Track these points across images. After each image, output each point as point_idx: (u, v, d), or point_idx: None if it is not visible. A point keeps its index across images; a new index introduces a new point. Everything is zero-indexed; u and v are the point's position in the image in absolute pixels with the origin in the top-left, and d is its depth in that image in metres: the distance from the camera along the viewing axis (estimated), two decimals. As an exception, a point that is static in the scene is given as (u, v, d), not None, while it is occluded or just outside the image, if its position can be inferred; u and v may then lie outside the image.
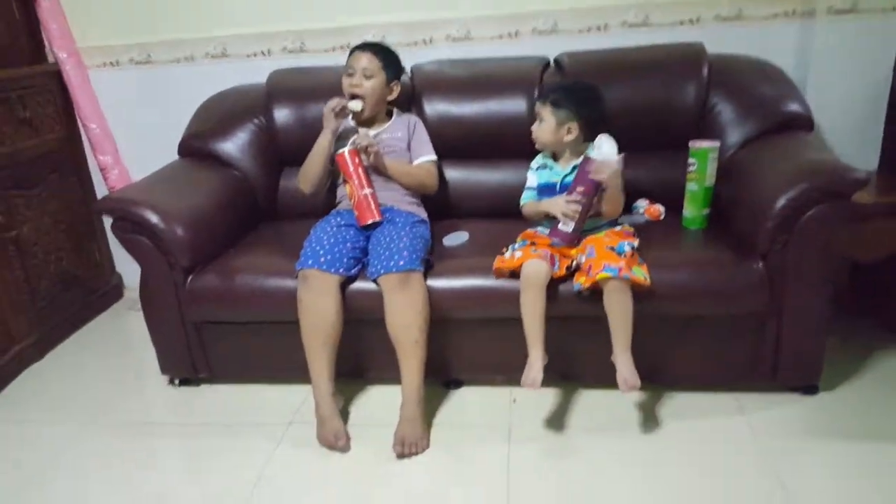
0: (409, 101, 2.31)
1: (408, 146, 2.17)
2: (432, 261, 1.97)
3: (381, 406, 1.98)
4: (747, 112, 2.13)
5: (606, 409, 1.92)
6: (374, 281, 1.89)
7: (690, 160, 1.99)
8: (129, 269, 2.93)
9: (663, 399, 1.94)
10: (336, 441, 1.83)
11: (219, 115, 2.42)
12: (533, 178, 2.02)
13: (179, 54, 2.61)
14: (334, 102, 2.03)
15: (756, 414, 1.85)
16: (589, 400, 1.97)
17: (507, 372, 1.96)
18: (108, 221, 2.82)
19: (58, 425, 2.07)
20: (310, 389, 1.92)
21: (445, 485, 1.70)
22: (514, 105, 2.24)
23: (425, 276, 1.90)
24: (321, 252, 1.89)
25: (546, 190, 1.97)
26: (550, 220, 1.91)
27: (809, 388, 1.92)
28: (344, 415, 1.95)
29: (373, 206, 1.98)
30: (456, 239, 2.09)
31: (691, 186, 2.01)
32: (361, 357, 2.04)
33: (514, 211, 2.09)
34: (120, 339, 2.63)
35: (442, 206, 2.28)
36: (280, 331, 2.00)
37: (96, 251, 2.84)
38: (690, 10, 2.36)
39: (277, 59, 2.56)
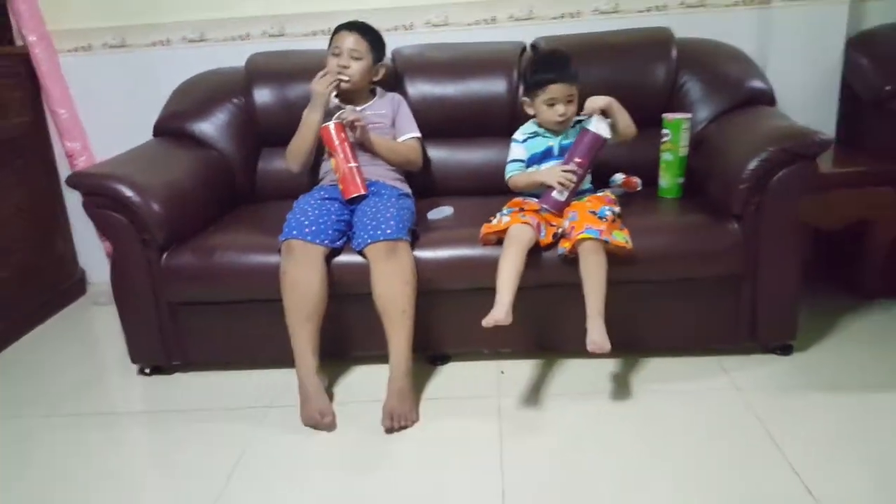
0: (392, 83, 2.34)
1: (392, 123, 2.19)
2: (418, 232, 1.98)
3: (366, 385, 1.96)
4: (714, 89, 2.24)
5: (594, 377, 1.94)
6: (360, 252, 1.88)
7: (664, 131, 2.07)
8: (93, 263, 2.88)
9: (648, 365, 1.98)
10: (322, 418, 1.78)
11: (197, 95, 2.40)
12: (520, 150, 2.05)
13: (156, 38, 2.60)
14: (327, 79, 2.03)
15: (738, 373, 1.91)
16: (574, 368, 1.99)
17: (494, 344, 1.99)
18: (73, 212, 2.79)
19: (22, 418, 1.96)
20: (291, 373, 1.87)
21: (437, 458, 1.66)
22: (494, 86, 2.31)
23: (412, 246, 1.91)
24: (306, 223, 1.88)
25: (539, 158, 2.01)
26: (542, 188, 1.94)
27: (785, 349, 1.99)
28: (328, 395, 1.88)
29: (358, 179, 1.99)
30: (440, 213, 2.11)
31: (666, 156, 2.08)
32: (345, 335, 2.02)
33: (495, 187, 2.13)
34: (85, 334, 2.56)
35: (426, 184, 2.31)
36: (259, 311, 1.98)
37: (60, 244, 2.76)
38: (658, -3, 2.48)
39: (257, 44, 2.56)
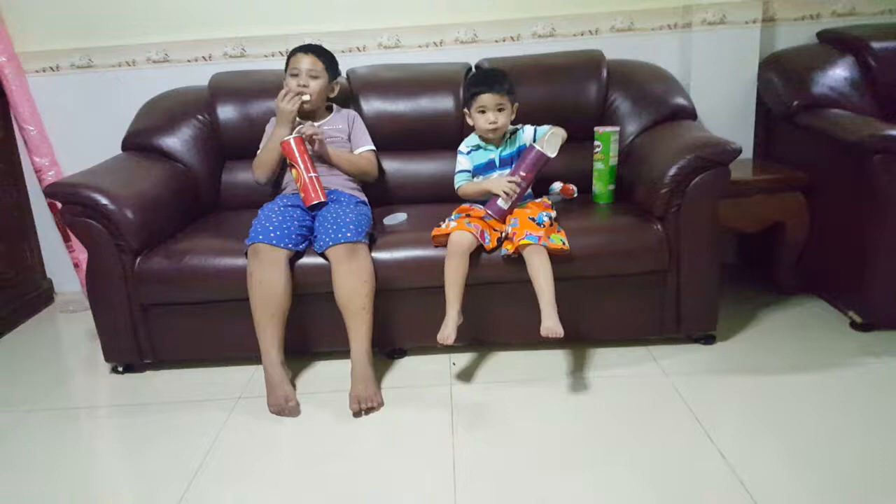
0: (347, 101, 2.51)
1: (348, 137, 2.36)
2: (376, 236, 2.15)
3: (327, 377, 2.12)
4: (641, 106, 2.47)
5: (536, 366, 2.13)
6: (322, 254, 2.04)
7: (596, 143, 2.29)
8: (60, 273, 2.97)
9: (585, 354, 2.18)
10: (286, 403, 1.93)
11: (163, 112, 2.54)
12: (466, 161, 2.24)
13: (121, 59, 2.73)
14: (290, 99, 2.18)
15: (666, 360, 2.12)
16: (519, 359, 2.18)
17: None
18: (41, 224, 2.88)
19: (1, 413, 2.07)
20: (258, 369, 2.03)
21: (395, 440, 1.80)
22: (442, 103, 2.50)
23: (370, 248, 2.08)
24: (271, 228, 2.03)
25: (483, 169, 2.21)
26: (488, 197, 2.13)
27: (708, 339, 2.21)
28: (292, 385, 2.03)
29: (318, 187, 2.14)
30: (395, 219, 2.29)
31: (598, 165, 2.30)
32: (307, 333, 2.16)
33: (445, 195, 2.32)
34: (56, 338, 2.65)
35: (381, 192, 2.48)
36: (227, 311, 2.12)
37: (28, 255, 2.85)
38: (590, 22, 2.72)
39: (218, 64, 2.72)
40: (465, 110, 2.23)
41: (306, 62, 2.25)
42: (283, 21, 2.69)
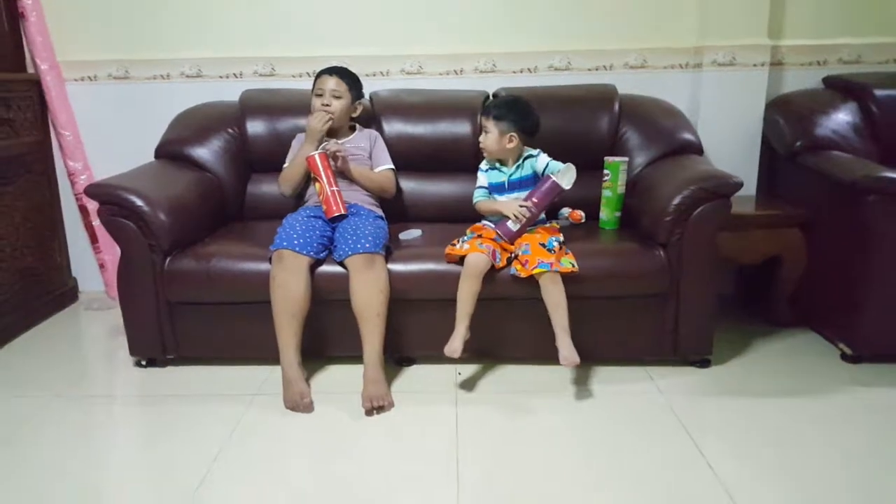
0: (370, 122, 2.65)
1: (369, 156, 2.49)
2: (392, 248, 2.27)
3: (341, 379, 2.23)
4: (650, 139, 2.59)
5: (538, 379, 2.23)
6: (341, 263, 2.16)
7: (605, 171, 2.41)
8: (85, 273, 3.09)
9: (586, 371, 2.27)
10: (301, 399, 2.04)
11: (195, 123, 2.68)
12: (483, 178, 2.36)
13: (157, 72, 2.88)
14: (321, 116, 2.32)
15: (663, 380, 2.22)
16: (522, 372, 2.28)
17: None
18: (69, 225, 3.01)
19: (28, 398, 2.17)
20: (277, 369, 2.13)
21: (402, 440, 1.90)
22: (460, 128, 2.63)
23: (386, 260, 2.19)
24: (294, 236, 2.15)
25: (495, 188, 2.33)
26: (500, 216, 2.24)
27: (704, 362, 2.31)
28: (307, 384, 2.14)
29: (339, 201, 2.26)
30: (410, 234, 2.40)
31: (606, 193, 2.42)
32: (323, 336, 2.27)
33: (459, 215, 2.45)
34: (79, 334, 2.76)
35: (398, 210, 2.61)
36: (248, 312, 2.23)
37: (57, 253, 2.98)
38: (605, 58, 2.86)
39: (249, 82, 2.87)
40: None
41: (331, 83, 2.39)
42: (312, 44, 2.85)
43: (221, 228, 2.52)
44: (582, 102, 2.67)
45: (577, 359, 2.03)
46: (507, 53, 2.86)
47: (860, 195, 2.15)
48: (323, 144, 2.33)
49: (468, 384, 2.22)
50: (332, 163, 2.30)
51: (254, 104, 2.70)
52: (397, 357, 2.34)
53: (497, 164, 2.33)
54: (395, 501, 1.65)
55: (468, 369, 2.30)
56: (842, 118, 2.62)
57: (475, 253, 2.13)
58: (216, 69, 2.88)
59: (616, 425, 1.97)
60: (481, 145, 2.30)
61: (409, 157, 2.63)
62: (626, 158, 2.44)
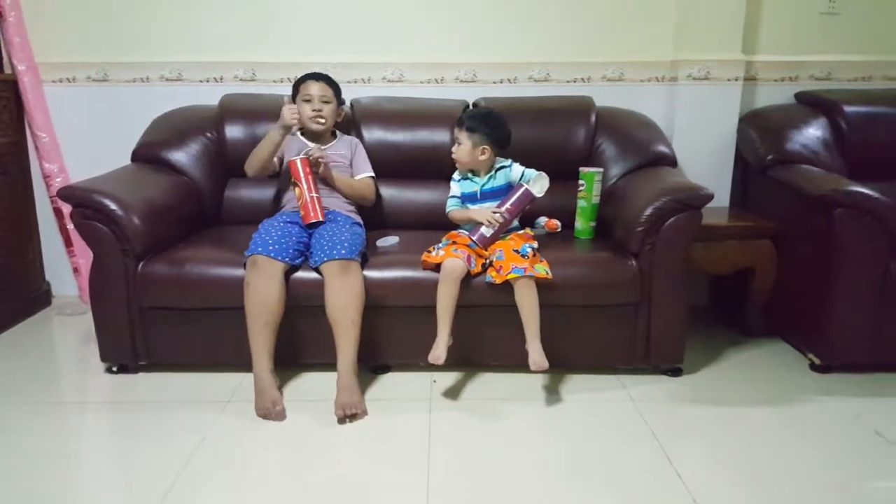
0: (350, 128, 2.66)
1: (349, 163, 2.50)
2: (368, 256, 2.28)
3: (315, 387, 2.22)
4: (625, 151, 2.63)
5: (512, 387, 2.24)
6: (317, 269, 2.16)
7: (580, 182, 2.44)
8: (59, 277, 3.06)
9: (559, 379, 2.29)
10: (273, 407, 2.03)
11: (173, 127, 2.67)
12: (456, 188, 2.39)
13: (136, 75, 2.87)
14: (293, 114, 2.26)
15: (634, 388, 2.24)
16: (497, 380, 2.29)
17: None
18: (44, 229, 2.98)
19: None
20: (249, 376, 2.12)
21: (374, 447, 1.90)
22: (440, 136, 2.65)
23: (362, 267, 2.20)
24: (269, 241, 2.15)
25: (468, 198, 2.35)
26: (474, 223, 2.27)
27: (675, 371, 2.34)
28: (280, 392, 2.12)
29: (318, 207, 2.27)
30: (387, 241, 2.41)
31: (581, 203, 2.45)
32: (297, 343, 2.26)
33: (436, 223, 2.45)
34: (50, 339, 2.73)
35: (376, 217, 2.62)
36: (221, 318, 2.22)
37: (31, 256, 2.95)
38: (583, 70, 2.90)
39: (229, 86, 2.87)
40: None
41: (318, 88, 2.40)
42: (294, 50, 2.86)
43: (197, 233, 2.50)
44: (560, 113, 2.71)
45: (545, 363, 2.06)
46: (488, 64, 2.89)
47: (828, 208, 2.20)
48: (306, 150, 2.33)
49: (443, 392, 2.22)
50: (313, 169, 2.30)
51: (233, 109, 2.70)
52: (372, 365, 2.34)
53: (469, 175, 2.36)
54: (366, 508, 1.65)
55: (443, 377, 2.30)
56: (812, 133, 2.68)
57: (451, 258, 2.14)
58: (197, 73, 2.88)
59: (587, 433, 1.99)
60: (454, 156, 2.32)
61: (388, 165, 2.64)
62: (601, 169, 2.48)
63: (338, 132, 2.56)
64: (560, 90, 2.88)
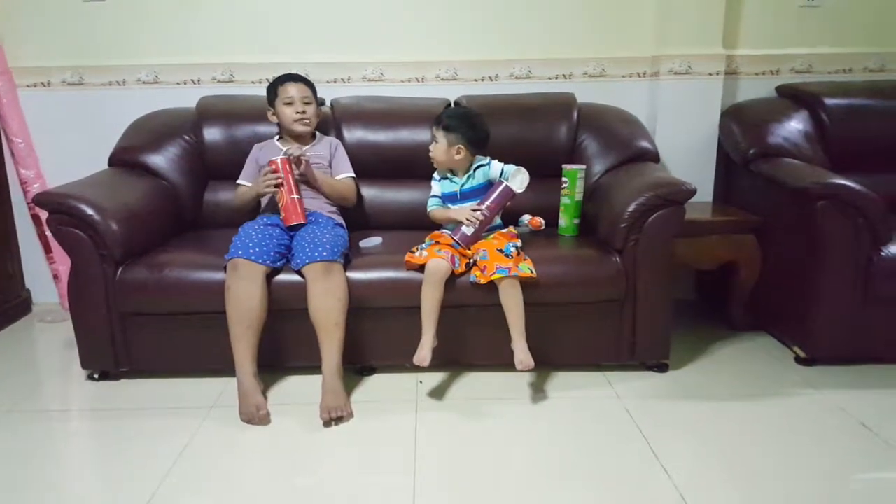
0: (329, 129, 2.64)
1: (329, 164, 2.48)
2: (351, 257, 2.26)
3: (299, 391, 2.19)
4: (608, 147, 2.63)
5: (498, 386, 2.23)
6: (299, 272, 2.13)
7: (563, 179, 2.43)
8: (39, 284, 3.02)
9: (546, 377, 2.28)
10: (257, 411, 2.00)
11: (150, 130, 2.64)
12: (437, 187, 2.38)
13: (112, 78, 2.83)
14: (271, 180, 2.23)
15: (620, 385, 2.23)
16: (483, 379, 2.28)
17: (414, 358, 2.26)
18: (22, 235, 2.94)
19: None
20: (232, 381, 2.10)
21: (360, 450, 1.88)
22: (421, 135, 2.62)
23: (345, 268, 2.18)
24: (250, 245, 2.12)
25: (448, 198, 2.34)
26: (455, 223, 2.25)
27: (661, 367, 2.33)
28: (263, 396, 2.09)
29: (299, 209, 2.25)
30: (370, 242, 2.39)
31: (564, 200, 2.44)
32: (280, 347, 2.24)
33: (419, 223, 2.44)
34: (31, 347, 2.69)
35: (358, 218, 2.60)
36: (203, 323, 2.19)
37: (9, 264, 2.90)
38: (565, 67, 2.89)
39: (207, 88, 2.83)
40: None
41: (298, 90, 2.38)
42: (272, 50, 2.83)
43: (176, 237, 2.47)
44: (541, 110, 2.70)
45: (531, 362, 2.05)
46: (469, 62, 2.88)
47: (810, 201, 2.20)
48: (285, 150, 2.31)
49: (429, 393, 2.21)
50: (294, 168, 2.27)
51: (211, 111, 2.67)
52: (358, 367, 2.32)
53: (449, 175, 2.34)
54: (351, 512, 1.63)
55: (429, 377, 2.28)
56: (794, 126, 2.68)
57: (435, 259, 2.12)
58: (174, 76, 2.85)
59: (574, 430, 1.98)
60: (431, 154, 2.31)
61: (369, 165, 2.62)
62: (584, 166, 2.47)
63: (317, 133, 2.53)
64: (541, 87, 2.87)
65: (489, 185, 2.26)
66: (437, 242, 2.21)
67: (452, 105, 2.75)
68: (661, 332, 2.27)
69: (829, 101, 2.70)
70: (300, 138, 2.44)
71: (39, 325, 2.87)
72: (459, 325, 2.23)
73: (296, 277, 2.14)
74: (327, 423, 2.00)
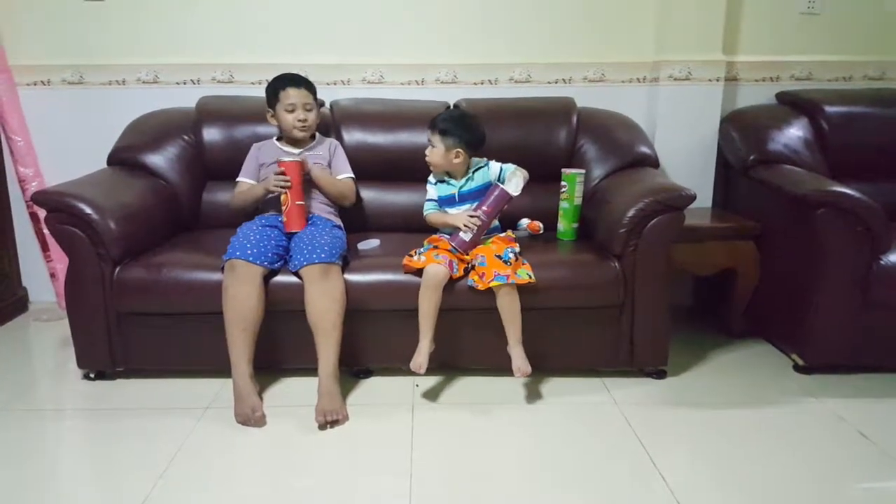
0: (329, 130, 2.63)
1: (328, 164, 2.47)
2: (349, 258, 2.25)
3: (295, 392, 2.19)
4: (607, 152, 2.62)
5: (494, 390, 2.22)
6: (296, 273, 2.13)
7: (563, 183, 2.43)
8: (36, 283, 3.01)
9: (543, 382, 2.27)
10: (253, 413, 2.00)
11: (149, 130, 2.63)
12: (433, 191, 2.36)
13: (112, 78, 2.83)
14: (278, 185, 2.21)
15: (618, 391, 2.23)
16: (479, 383, 2.27)
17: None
18: (20, 234, 2.93)
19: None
20: (228, 382, 2.09)
21: (356, 451, 1.88)
22: (420, 138, 2.56)
23: (342, 270, 2.17)
24: (248, 245, 2.12)
25: (446, 202, 2.33)
26: (452, 228, 2.25)
27: (659, 373, 2.32)
28: (259, 398, 2.09)
29: (303, 216, 2.24)
30: (368, 244, 2.39)
31: (563, 204, 2.44)
32: (277, 349, 2.23)
33: (418, 225, 2.42)
34: (27, 346, 2.68)
35: (356, 220, 2.59)
36: (200, 323, 2.18)
37: (6, 262, 2.89)
38: (564, 71, 2.89)
39: (207, 88, 2.83)
40: None
41: (300, 96, 2.34)
42: (272, 51, 2.83)
43: (175, 237, 2.47)
44: (541, 115, 2.70)
45: (528, 369, 2.06)
46: (469, 65, 2.88)
47: (810, 208, 2.20)
48: (297, 151, 2.31)
49: (425, 396, 2.20)
50: (304, 175, 2.25)
51: (211, 111, 2.67)
52: (355, 369, 2.31)
53: (446, 178, 2.34)
54: (346, 516, 1.63)
55: (425, 381, 2.28)
56: (794, 133, 2.68)
57: (433, 264, 2.12)
58: (174, 75, 2.84)
59: (571, 436, 1.97)
60: (427, 159, 2.29)
61: (368, 167, 2.61)
62: (583, 171, 2.46)
63: (317, 134, 2.53)
64: (541, 91, 2.86)
65: (489, 186, 2.25)
66: (436, 247, 2.20)
67: (452, 108, 2.74)
68: (659, 338, 2.26)
69: (828, 108, 2.70)
70: (300, 141, 2.43)
71: (35, 323, 2.86)
72: (457, 329, 2.22)
73: (293, 279, 2.14)
74: (322, 427, 1.99)
